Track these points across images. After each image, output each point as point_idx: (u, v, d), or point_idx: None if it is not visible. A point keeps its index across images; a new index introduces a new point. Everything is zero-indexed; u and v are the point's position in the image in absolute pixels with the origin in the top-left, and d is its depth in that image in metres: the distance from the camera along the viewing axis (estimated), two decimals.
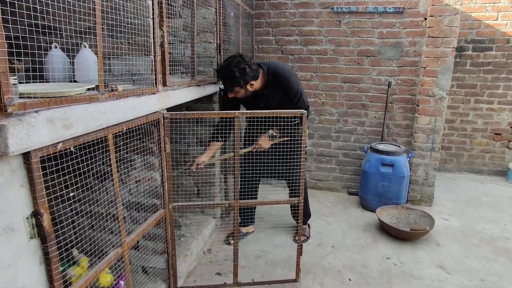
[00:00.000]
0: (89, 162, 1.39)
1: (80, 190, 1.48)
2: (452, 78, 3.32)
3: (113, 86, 1.48)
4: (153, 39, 1.53)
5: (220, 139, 2.30)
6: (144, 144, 1.71)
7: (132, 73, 1.64)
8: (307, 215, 2.74)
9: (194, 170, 2.22)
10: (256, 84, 2.18)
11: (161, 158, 1.74)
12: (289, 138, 2.23)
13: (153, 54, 1.55)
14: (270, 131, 2.25)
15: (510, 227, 2.94)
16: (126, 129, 1.41)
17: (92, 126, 1.17)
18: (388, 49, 3.17)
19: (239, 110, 2.43)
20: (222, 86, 2.56)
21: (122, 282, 1.70)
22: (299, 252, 2.08)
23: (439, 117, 3.09)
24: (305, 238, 2.68)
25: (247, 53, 3.24)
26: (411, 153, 3.12)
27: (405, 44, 3.12)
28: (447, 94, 3.03)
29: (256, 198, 2.72)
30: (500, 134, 4.12)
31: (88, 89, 1.43)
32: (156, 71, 1.58)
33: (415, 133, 3.20)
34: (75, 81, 1.55)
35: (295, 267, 2.25)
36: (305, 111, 1.91)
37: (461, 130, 4.19)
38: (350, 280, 2.22)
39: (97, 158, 1.43)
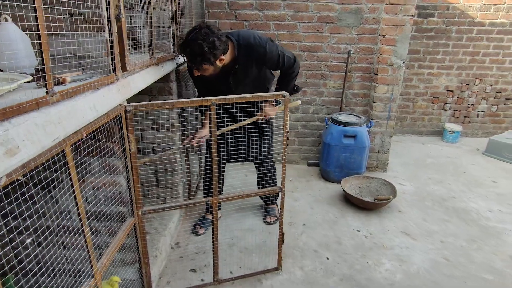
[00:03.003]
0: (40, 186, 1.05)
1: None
2: None
3: (58, 77, 1.12)
4: (107, 11, 1.16)
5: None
6: (103, 144, 1.37)
7: (78, 55, 1.27)
8: (275, 195, 2.65)
9: (195, 145, 1.95)
10: (226, 58, 1.90)
11: (125, 159, 1.43)
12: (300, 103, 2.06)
13: (108, 32, 1.19)
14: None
15: (454, 187, 3.21)
16: (86, 135, 1.08)
17: (46, 143, 0.85)
18: (348, 16, 3.04)
19: (210, 86, 2.13)
20: (180, 61, 2.21)
21: None
22: (281, 240, 1.98)
23: (396, 86, 3.13)
24: (276, 218, 2.60)
25: (197, 19, 2.85)
26: (370, 122, 3.15)
27: (364, 10, 3.02)
28: (404, 63, 3.05)
29: (223, 183, 2.53)
30: (437, 97, 4.41)
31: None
32: (113, 54, 1.23)
33: (373, 102, 3.22)
34: None
35: (272, 253, 2.17)
36: (287, 93, 1.71)
37: (405, 95, 4.38)
38: (328, 259, 2.21)
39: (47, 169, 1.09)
